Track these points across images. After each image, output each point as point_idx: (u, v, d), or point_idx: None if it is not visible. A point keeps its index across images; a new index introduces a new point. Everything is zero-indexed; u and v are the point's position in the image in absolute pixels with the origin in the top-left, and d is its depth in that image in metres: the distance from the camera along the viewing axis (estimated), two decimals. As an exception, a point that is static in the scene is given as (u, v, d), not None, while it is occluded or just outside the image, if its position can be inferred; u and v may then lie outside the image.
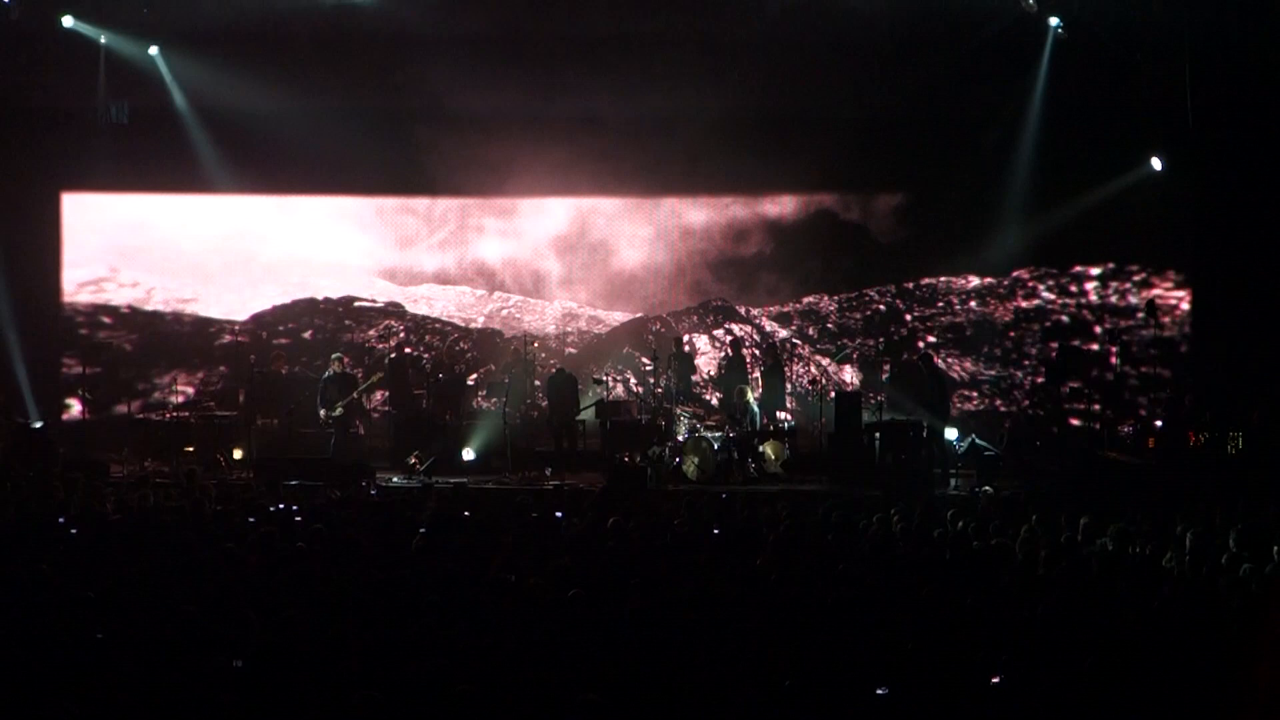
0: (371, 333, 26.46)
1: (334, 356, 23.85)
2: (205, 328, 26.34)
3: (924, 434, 21.83)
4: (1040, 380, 25.88)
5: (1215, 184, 24.85)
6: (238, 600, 11.11)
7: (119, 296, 26.34)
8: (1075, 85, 24.47)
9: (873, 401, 23.25)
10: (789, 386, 25.41)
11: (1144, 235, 25.49)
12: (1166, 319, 25.75)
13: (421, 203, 26.75)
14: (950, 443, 22.54)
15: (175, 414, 23.56)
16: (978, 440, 22.80)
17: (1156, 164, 24.86)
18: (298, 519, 15.61)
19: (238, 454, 22.73)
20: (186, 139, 25.07)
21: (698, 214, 26.79)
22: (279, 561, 12.88)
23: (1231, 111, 24.25)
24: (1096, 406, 24.95)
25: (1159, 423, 23.53)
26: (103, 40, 24.34)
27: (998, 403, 26.18)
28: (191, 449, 22.82)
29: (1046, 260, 26.21)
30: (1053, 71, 24.42)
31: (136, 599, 11.22)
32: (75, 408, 25.05)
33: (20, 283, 25.46)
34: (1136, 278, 26.16)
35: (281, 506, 16.70)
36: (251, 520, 15.30)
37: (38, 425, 22.88)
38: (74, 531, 14.39)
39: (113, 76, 24.87)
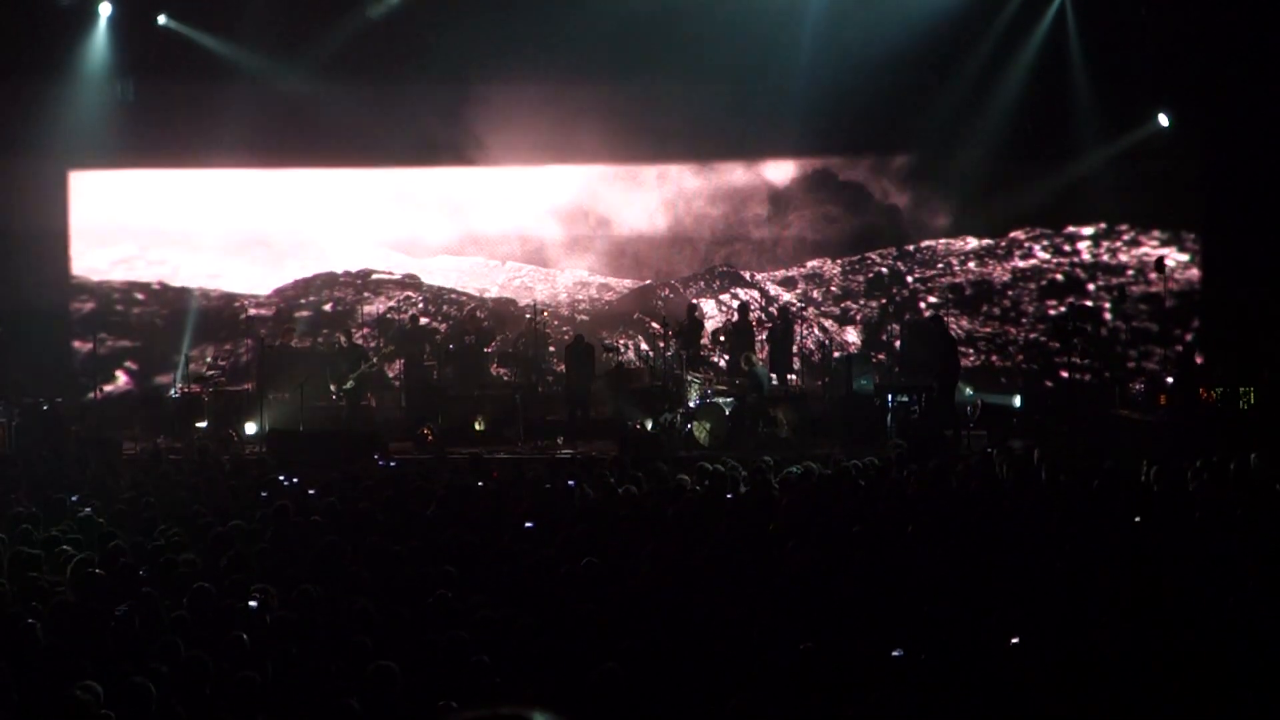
0: (390, 303, 26.51)
1: (342, 330, 23.98)
2: (231, 302, 26.52)
3: (935, 395, 21.79)
4: (1050, 341, 25.85)
5: (1225, 140, 24.71)
6: (253, 575, 11.15)
7: (148, 273, 26.53)
8: (1082, 42, 24.38)
9: (874, 361, 23.33)
10: (794, 349, 25.33)
11: (1137, 194, 25.43)
12: (1154, 275, 25.73)
13: (430, 173, 26.77)
14: (963, 399, 22.52)
15: (186, 389, 23.53)
16: (987, 400, 22.79)
17: (1164, 120, 24.77)
18: (311, 492, 15.65)
19: (250, 428, 22.71)
20: (193, 115, 25.03)
21: (698, 180, 26.80)
22: (293, 535, 12.91)
23: (1238, 67, 24.10)
24: (1082, 360, 24.92)
25: (1170, 379, 23.47)
26: (104, 13, 24.32)
27: (994, 358, 26.22)
28: (204, 424, 22.80)
29: (1042, 221, 26.26)
30: (1059, 29, 24.35)
31: (151, 575, 11.26)
32: (121, 379, 25.37)
33: (29, 263, 25.48)
34: (1125, 237, 26.17)
35: (295, 480, 16.72)
36: (264, 495, 15.33)
37: (46, 406, 22.82)
38: (88, 510, 14.43)
39: (118, 54, 24.88)
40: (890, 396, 22.02)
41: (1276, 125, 24.01)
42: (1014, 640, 9.03)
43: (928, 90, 24.92)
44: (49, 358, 25.05)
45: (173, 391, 23.74)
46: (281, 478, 16.80)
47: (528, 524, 13.05)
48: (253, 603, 10.27)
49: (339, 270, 26.76)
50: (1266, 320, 23.55)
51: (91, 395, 24.12)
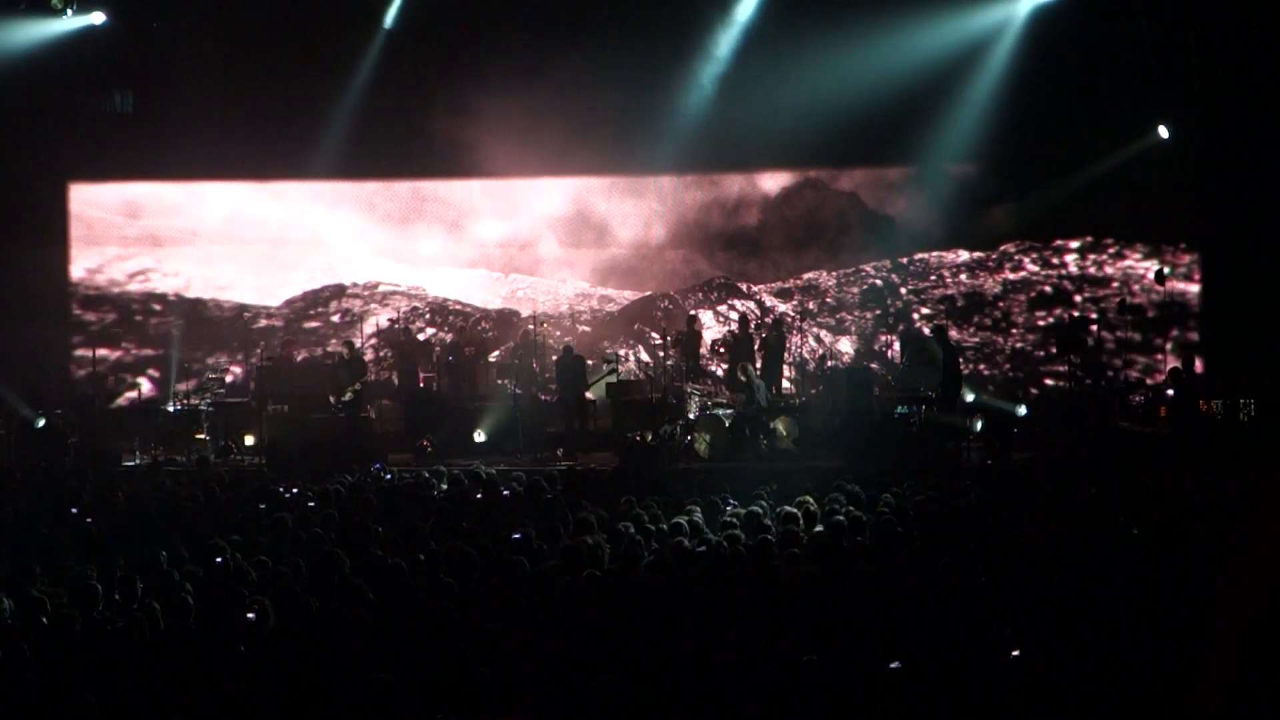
0: (396, 315, 26.54)
1: (344, 342, 24.04)
2: (242, 313, 26.70)
3: (936, 407, 21.77)
4: (1051, 349, 25.95)
5: (1223, 151, 24.70)
6: (252, 587, 11.12)
7: (164, 285, 26.79)
8: (1078, 55, 24.44)
9: (868, 369, 23.53)
10: (789, 357, 25.28)
11: (1134, 207, 25.49)
12: (1136, 286, 25.88)
13: (433, 186, 26.93)
14: (966, 403, 22.55)
15: (185, 402, 23.52)
16: (992, 405, 22.85)
17: (1164, 133, 24.79)
18: (310, 504, 15.62)
19: (249, 440, 22.69)
20: (187, 126, 25.08)
21: (696, 191, 26.92)
22: (292, 547, 12.88)
23: (1235, 78, 24.12)
24: (1082, 370, 24.98)
25: (1170, 391, 23.47)
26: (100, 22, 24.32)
27: (981, 367, 26.30)
28: (203, 436, 22.79)
29: (1032, 234, 26.41)
30: (1058, 42, 24.41)
31: (150, 587, 11.24)
32: (145, 387, 25.55)
33: (29, 275, 25.53)
34: (1111, 250, 26.30)
35: (294, 491, 16.70)
36: (263, 506, 15.31)
37: (40, 423, 22.78)
38: (89, 521, 14.41)
39: (116, 64, 24.94)
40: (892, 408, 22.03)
41: (1275, 136, 24.01)
42: (1014, 653, 9.00)
43: (924, 102, 24.91)
44: (50, 369, 25.07)
45: (170, 405, 23.72)
46: (280, 489, 16.79)
47: (515, 535, 13.02)
48: (251, 615, 10.23)
49: (347, 282, 26.90)
50: (1266, 332, 23.55)
51: (117, 403, 24.39)
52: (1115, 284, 26.20)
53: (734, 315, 26.27)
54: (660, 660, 8.96)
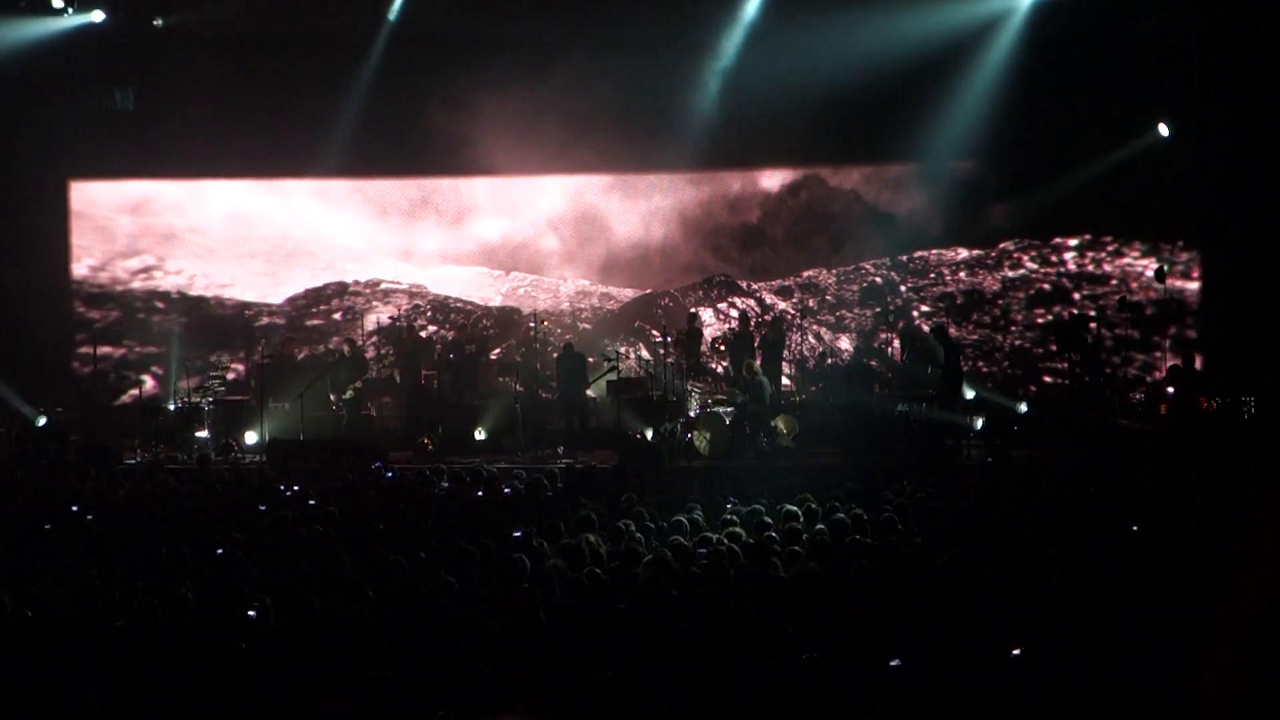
0: (397, 313, 26.57)
1: (345, 340, 24.06)
2: (244, 310, 26.71)
3: (937, 405, 21.78)
4: (1051, 345, 26.02)
5: (1223, 149, 24.70)
6: (253, 585, 11.13)
7: (166, 283, 26.81)
8: (1079, 54, 24.46)
9: (869, 366, 23.60)
10: (788, 354, 25.30)
11: (1133, 205, 25.53)
12: (1136, 284, 25.93)
13: (435, 184, 26.96)
14: (966, 401, 22.56)
15: (187, 399, 23.54)
16: (989, 400, 22.88)
17: (1164, 130, 24.80)
18: (311, 502, 15.63)
19: (250, 438, 22.70)
20: (188, 124, 25.09)
21: (694, 190, 26.95)
22: (293, 544, 12.89)
23: (1236, 77, 24.13)
24: (1081, 368, 25.01)
25: (1170, 389, 23.47)
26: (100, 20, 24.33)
27: (980, 365, 26.33)
28: (204, 434, 22.81)
29: (1031, 231, 26.45)
30: (1058, 39, 24.43)
31: (151, 585, 11.24)
32: (147, 384, 25.38)
33: (30, 273, 25.54)
34: (1110, 247, 26.35)
35: (295, 489, 16.71)
36: (264, 505, 15.32)
37: (42, 421, 22.82)
38: (90, 518, 14.42)
39: (116, 62, 24.95)
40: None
41: (1275, 135, 24.00)
42: (1014, 652, 9.01)
43: (924, 100, 24.92)
44: (50, 368, 25.11)
45: (171, 402, 23.73)
46: (282, 487, 16.80)
47: (515, 533, 13.03)
48: (252, 613, 10.24)
49: (349, 280, 26.94)
50: (1266, 330, 23.54)
51: (120, 400, 24.45)
52: (1114, 281, 26.28)
53: (734, 313, 26.29)
54: (660, 659, 8.97)
